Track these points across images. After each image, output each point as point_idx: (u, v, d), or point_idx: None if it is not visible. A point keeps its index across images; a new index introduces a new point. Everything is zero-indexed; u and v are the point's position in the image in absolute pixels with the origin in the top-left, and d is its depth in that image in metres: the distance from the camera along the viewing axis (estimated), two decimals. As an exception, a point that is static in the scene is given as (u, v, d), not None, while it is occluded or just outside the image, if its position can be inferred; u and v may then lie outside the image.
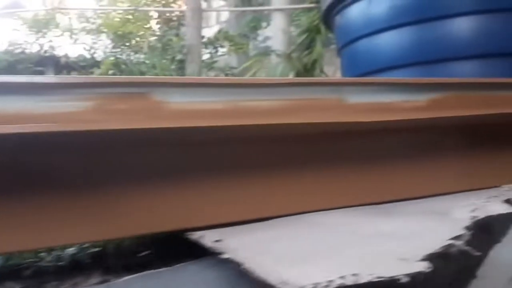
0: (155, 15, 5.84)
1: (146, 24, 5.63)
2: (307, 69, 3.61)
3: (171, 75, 3.74)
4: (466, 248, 0.39)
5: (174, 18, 5.39)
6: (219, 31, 4.61)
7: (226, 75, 4.44)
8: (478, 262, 0.62)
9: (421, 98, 0.55)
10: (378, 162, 0.55)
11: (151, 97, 0.44)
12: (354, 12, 2.67)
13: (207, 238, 0.44)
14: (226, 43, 4.38)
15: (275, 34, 3.78)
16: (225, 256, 0.41)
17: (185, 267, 0.43)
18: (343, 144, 0.53)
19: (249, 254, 0.40)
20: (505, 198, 0.50)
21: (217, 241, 0.43)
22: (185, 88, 0.44)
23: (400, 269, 0.37)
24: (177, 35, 4.86)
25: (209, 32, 5.09)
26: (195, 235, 0.46)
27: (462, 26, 2.28)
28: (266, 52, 3.97)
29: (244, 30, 4.79)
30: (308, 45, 3.67)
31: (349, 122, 0.49)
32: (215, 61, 4.52)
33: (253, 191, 0.50)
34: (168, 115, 0.43)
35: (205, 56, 4.88)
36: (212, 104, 0.45)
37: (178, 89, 0.44)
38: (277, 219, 0.48)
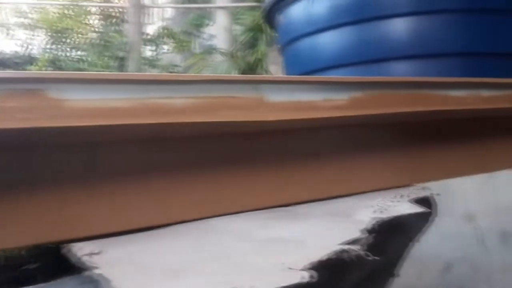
0: (95, 10, 5.63)
1: (85, 20, 5.42)
2: (251, 68, 3.61)
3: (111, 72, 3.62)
4: (361, 252, 0.37)
5: (115, 14, 5.23)
6: (162, 28, 4.51)
7: (170, 73, 4.36)
8: (394, 261, 0.62)
9: (343, 97, 0.54)
10: (296, 162, 0.53)
11: (47, 94, 0.40)
12: (295, 11, 2.68)
13: (84, 250, 0.40)
14: (169, 41, 4.30)
15: (219, 32, 3.75)
16: (96, 271, 0.37)
17: (63, 283, 0.39)
18: (258, 144, 0.51)
19: (121, 269, 0.37)
20: (413, 197, 0.49)
21: (93, 254, 0.39)
22: (85, 84, 0.40)
23: (284, 280, 0.34)
24: (118, 31, 4.72)
25: (152, 29, 4.98)
26: (68, 248, 0.41)
27: (400, 27, 2.33)
28: (210, 50, 3.93)
29: (188, 28, 4.73)
30: (252, 44, 3.66)
31: (266, 121, 0.46)
32: (158, 59, 4.43)
33: (151, 196, 0.46)
34: (66, 113, 0.39)
35: (148, 54, 4.77)
36: (116, 102, 0.41)
37: (78, 85, 0.40)
38: (174, 226, 0.45)
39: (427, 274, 1.61)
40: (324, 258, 0.36)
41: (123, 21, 4.65)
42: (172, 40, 4.30)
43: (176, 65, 4.58)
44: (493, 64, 2.19)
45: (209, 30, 4.54)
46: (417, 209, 0.45)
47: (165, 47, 4.59)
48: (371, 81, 0.57)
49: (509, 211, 1.47)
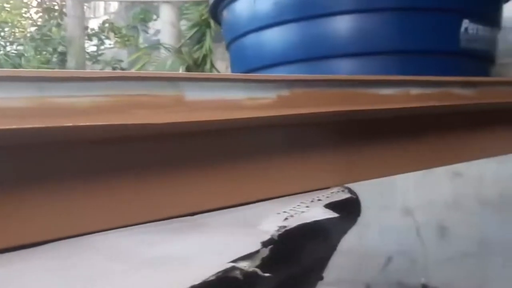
0: (35, 3, 5.38)
1: (24, 13, 5.16)
2: (198, 64, 3.55)
3: (53, 68, 3.46)
4: (252, 269, 0.34)
5: (56, 7, 5.01)
6: (104, 22, 4.37)
7: (114, 68, 4.24)
8: (319, 266, 0.61)
9: (269, 95, 0.51)
10: (214, 166, 0.50)
11: None
12: (240, 7, 2.65)
13: None
14: (112, 35, 4.17)
15: (164, 27, 3.67)
16: None
17: None
18: (173, 147, 0.48)
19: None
20: (329, 201, 0.47)
21: None
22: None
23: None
24: (58, 25, 4.53)
25: (97, 23, 4.82)
26: None
27: (342, 25, 2.36)
28: (155, 45, 3.84)
29: (133, 22, 4.61)
30: (199, 40, 3.61)
31: (185, 122, 0.43)
32: (101, 54, 4.29)
33: (33, 210, 0.42)
34: None
35: (92, 48, 4.61)
36: (7, 102, 0.37)
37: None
38: (53, 243, 0.40)
39: (368, 268, 1.64)
40: (211, 278, 0.31)
41: (64, 14, 4.47)
42: (115, 35, 4.17)
43: (120, 60, 4.45)
44: (432, 62, 2.25)
45: (156, 25, 4.44)
46: (330, 214, 0.43)
47: (109, 42, 4.44)
48: (298, 79, 0.55)
49: (445, 205, 1.52)
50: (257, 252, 0.34)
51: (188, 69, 3.53)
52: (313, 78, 0.57)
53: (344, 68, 2.52)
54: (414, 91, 0.69)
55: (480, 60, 2.63)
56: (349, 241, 1.63)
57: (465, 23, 2.45)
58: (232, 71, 3.13)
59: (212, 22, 3.33)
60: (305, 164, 0.59)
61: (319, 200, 0.47)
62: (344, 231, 0.61)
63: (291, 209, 0.43)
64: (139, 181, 0.45)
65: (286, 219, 0.41)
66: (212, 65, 3.53)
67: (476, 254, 1.50)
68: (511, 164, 1.36)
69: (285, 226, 0.38)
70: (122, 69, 4.41)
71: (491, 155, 1.07)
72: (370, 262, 1.60)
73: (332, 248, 0.58)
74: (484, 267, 1.49)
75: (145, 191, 0.45)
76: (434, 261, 1.55)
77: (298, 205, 0.45)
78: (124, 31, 4.40)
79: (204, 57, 3.48)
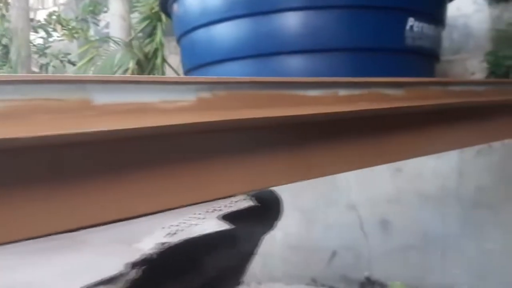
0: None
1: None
2: (149, 58, 3.48)
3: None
4: None
5: (0, -3, 4.78)
6: (50, 14, 4.21)
7: (61, 61, 4.09)
8: (232, 275, 0.60)
9: (188, 98, 0.50)
10: (122, 175, 0.48)
11: None
12: (190, 1, 2.62)
13: None
14: (59, 27, 4.02)
15: (114, 20, 3.57)
16: None
17: None
18: (76, 155, 0.45)
19: None
20: (226, 212, 0.46)
21: None
22: None
23: None
24: (3, 16, 4.32)
25: (44, 14, 4.64)
26: None
27: (293, 21, 2.37)
28: (104, 38, 3.73)
29: (83, 14, 4.46)
30: (150, 33, 3.53)
31: (91, 132, 0.41)
32: (48, 47, 4.13)
33: None
34: None
35: (39, 41, 4.43)
36: None
37: None
38: None
39: (314, 263, 1.66)
40: None
41: (8, 5, 4.27)
42: (62, 27, 4.03)
43: (68, 54, 4.30)
44: (378, 59, 2.30)
45: (108, 17, 4.32)
46: (223, 226, 0.41)
47: (57, 34, 4.28)
48: (220, 81, 0.53)
49: (387, 200, 1.56)
50: (122, 274, 0.31)
51: (138, 63, 3.45)
52: (237, 80, 0.55)
53: (294, 65, 2.54)
54: (343, 92, 0.69)
55: (425, 57, 2.70)
56: (296, 237, 1.65)
57: (411, 21, 2.51)
58: (183, 66, 3.08)
59: (163, 16, 3.26)
60: (222, 171, 0.57)
61: (214, 210, 0.45)
62: (258, 238, 0.60)
63: (182, 222, 0.41)
64: (23, 194, 0.42)
65: (170, 234, 0.39)
66: (164, 60, 3.47)
67: (417, 246, 1.54)
68: (448, 160, 1.40)
69: (166, 243, 0.36)
70: (70, 62, 4.26)
71: (429, 153, 1.09)
72: (316, 257, 1.62)
73: (247, 255, 0.58)
74: (424, 259, 1.54)
75: (30, 206, 0.42)
76: (377, 254, 1.58)
77: (191, 217, 0.43)
78: (73, 24, 4.24)
79: (155, 51, 3.41)
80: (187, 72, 3.00)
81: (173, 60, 3.86)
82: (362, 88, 0.72)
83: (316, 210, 1.61)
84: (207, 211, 0.45)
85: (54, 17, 4.21)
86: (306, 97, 0.64)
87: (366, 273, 1.57)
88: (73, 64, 3.99)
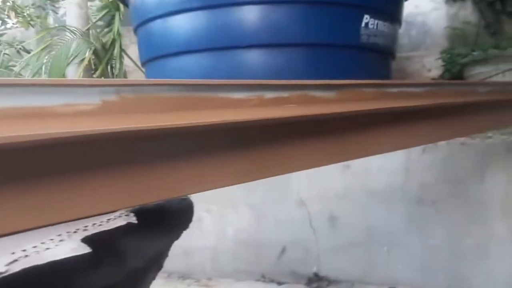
0: None
1: None
2: (106, 48, 3.39)
3: None
4: None
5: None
6: (5, 1, 4.05)
7: (16, 50, 3.95)
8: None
9: (92, 101, 0.47)
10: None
11: None
12: (147, -9, 2.55)
13: None
14: (13, 14, 3.87)
15: (70, 8, 3.46)
16: None
17: None
18: None
19: None
20: (90, 233, 0.42)
21: None
22: None
23: None
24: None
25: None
26: None
27: (251, 15, 2.34)
28: (59, 27, 3.61)
29: (40, 1, 4.31)
30: (109, 23, 3.44)
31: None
32: (2, 34, 3.98)
33: None
34: None
35: (-6, 28, 4.27)
36: None
37: None
38: None
39: (264, 258, 1.66)
40: None
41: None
42: (16, 14, 3.88)
43: (22, 41, 4.15)
44: (334, 55, 2.31)
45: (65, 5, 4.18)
46: (79, 251, 0.38)
47: (12, 21, 4.12)
48: (128, 83, 0.51)
49: (336, 196, 1.57)
50: None
51: (95, 53, 3.36)
52: (148, 82, 0.53)
53: (250, 59, 2.52)
54: (269, 94, 0.68)
55: (381, 55, 2.72)
56: (246, 233, 1.64)
57: (366, 18, 2.52)
58: (140, 57, 3.00)
59: (121, 5, 3.18)
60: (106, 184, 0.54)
61: (77, 231, 0.42)
62: (152, 251, 0.58)
63: (35, 246, 0.38)
64: None
65: (13, 261, 0.36)
66: (122, 50, 3.39)
67: (363, 242, 1.56)
68: (395, 157, 1.42)
69: (3, 272, 0.33)
70: (26, 50, 4.12)
71: (374, 153, 1.09)
72: (266, 252, 1.62)
73: (135, 271, 0.55)
74: (370, 255, 1.56)
75: None
76: (325, 250, 1.59)
77: (49, 240, 0.40)
78: (29, 11, 4.09)
79: (113, 41, 3.32)
80: (143, 64, 2.94)
81: (134, 50, 3.78)
82: (290, 91, 0.70)
83: (267, 206, 1.61)
84: (68, 232, 0.42)
85: (8, 3, 4.05)
86: (229, 99, 0.62)
87: (314, 269, 1.58)
88: (28, 52, 3.86)
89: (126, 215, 0.46)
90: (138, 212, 0.46)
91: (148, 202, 0.53)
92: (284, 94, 0.71)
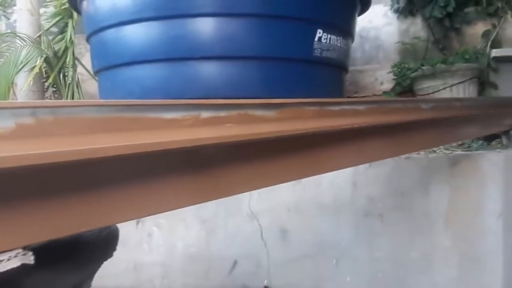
0: None
1: None
2: (59, 56, 3.29)
3: None
4: None
5: None
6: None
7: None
8: None
9: (5, 125, 0.44)
10: None
11: None
12: (100, 0, 2.49)
13: None
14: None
15: (21, 15, 3.34)
16: None
17: None
18: None
19: None
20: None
21: None
22: None
23: None
24: None
25: None
26: None
27: (205, 27, 2.33)
28: (8, 33, 3.48)
29: (-11, 6, 4.14)
30: (62, 30, 3.34)
31: None
32: None
33: None
34: None
35: None
36: None
37: None
38: None
39: (215, 273, 1.64)
40: None
41: None
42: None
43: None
44: (288, 68, 2.32)
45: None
46: None
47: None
48: (46, 105, 0.48)
49: (287, 210, 1.57)
50: None
51: (47, 61, 3.25)
52: (68, 103, 0.51)
53: (205, 71, 2.49)
54: (206, 114, 0.66)
55: (333, 68, 2.76)
56: (196, 248, 1.60)
57: (319, 32, 2.55)
58: (92, 66, 2.93)
59: (74, 12, 3.10)
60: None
61: None
62: (75, 284, 0.55)
63: None
64: None
65: None
66: (76, 58, 3.30)
67: (313, 255, 1.57)
68: (343, 171, 1.43)
69: None
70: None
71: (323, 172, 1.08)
72: (216, 267, 1.60)
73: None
74: (320, 267, 1.57)
75: None
76: (276, 263, 1.59)
77: None
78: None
79: (66, 49, 3.23)
80: (96, 73, 2.86)
81: (89, 58, 3.68)
82: (229, 110, 0.69)
83: (217, 219, 1.59)
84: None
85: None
86: (162, 120, 0.60)
87: (265, 282, 1.57)
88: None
89: (23, 254, 0.43)
90: (46, 248, 0.43)
91: (67, 235, 0.50)
92: (222, 113, 0.69)
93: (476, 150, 1.63)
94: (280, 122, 0.78)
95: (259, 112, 0.74)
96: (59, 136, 0.49)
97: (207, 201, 0.76)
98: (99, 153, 0.51)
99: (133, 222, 1.66)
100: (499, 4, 3.20)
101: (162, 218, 1.59)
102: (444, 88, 3.01)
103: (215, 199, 0.78)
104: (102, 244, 0.57)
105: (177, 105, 0.62)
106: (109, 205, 0.56)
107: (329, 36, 2.42)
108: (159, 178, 0.64)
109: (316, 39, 2.37)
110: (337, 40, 2.48)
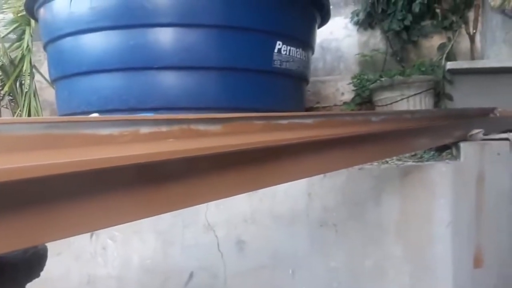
0: None
1: None
2: (15, 64, 3.21)
3: None
4: None
5: None
6: None
7: None
8: None
9: None
10: None
11: None
12: (57, 8, 2.46)
13: None
14: None
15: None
16: None
17: None
18: None
19: None
20: None
21: None
22: None
23: None
24: None
25: None
26: None
27: (164, 37, 2.32)
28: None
29: None
30: (20, 38, 3.26)
31: None
32: None
33: None
34: None
35: None
36: None
37: None
38: None
39: (171, 286, 1.62)
40: None
41: None
42: None
43: None
44: (248, 79, 2.34)
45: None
46: None
47: None
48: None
49: (243, 220, 1.57)
50: None
51: (2, 69, 3.17)
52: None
53: (164, 81, 2.47)
54: (145, 129, 0.65)
55: (293, 79, 2.79)
56: (152, 260, 1.58)
57: (279, 44, 2.58)
58: (50, 75, 2.86)
59: (32, 20, 3.03)
60: None
61: None
62: None
63: None
64: None
65: None
66: (33, 66, 3.22)
67: (270, 265, 1.57)
68: (298, 181, 1.44)
69: None
70: None
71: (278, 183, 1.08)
72: (172, 279, 1.58)
73: None
74: (276, 278, 1.57)
75: None
76: (232, 274, 1.58)
77: None
78: None
79: (23, 57, 3.15)
80: (53, 81, 2.79)
81: (46, 66, 3.60)
82: (170, 125, 0.69)
83: (174, 231, 1.57)
84: None
85: None
86: (97, 136, 0.59)
87: (221, 294, 1.57)
88: None
89: None
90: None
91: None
92: (163, 128, 0.69)
93: (427, 160, 1.68)
94: (225, 137, 0.79)
95: (202, 127, 0.74)
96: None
97: (155, 215, 0.75)
98: (28, 172, 0.50)
99: (87, 235, 1.62)
100: (454, 18, 3.32)
101: (117, 231, 1.57)
102: (402, 99, 3.09)
103: (164, 212, 0.77)
104: (26, 266, 0.55)
105: (114, 121, 0.61)
106: (39, 223, 0.55)
107: (288, 47, 2.46)
108: (100, 193, 0.63)
109: (275, 50, 2.41)
110: (296, 51, 2.52)
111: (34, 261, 0.55)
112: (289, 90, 2.64)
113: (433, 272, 1.52)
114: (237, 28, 2.23)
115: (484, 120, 1.92)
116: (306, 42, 2.72)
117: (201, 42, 2.36)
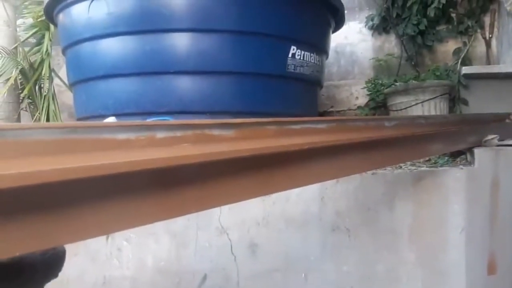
0: None
1: None
2: (35, 68, 3.27)
3: None
4: None
5: None
6: None
7: None
8: None
9: None
10: None
11: None
12: (75, 13, 2.50)
13: None
14: None
15: (-3, 26, 3.31)
16: None
17: None
18: None
19: None
20: None
21: None
22: None
23: None
24: None
25: None
26: None
27: (180, 42, 2.35)
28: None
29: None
30: (39, 42, 3.33)
31: None
32: None
33: None
34: None
35: None
36: None
37: None
38: None
39: (184, 286, 1.63)
40: None
41: None
42: None
43: None
44: (262, 84, 2.34)
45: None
46: None
47: None
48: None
49: (256, 224, 1.57)
50: None
51: (22, 72, 3.23)
52: (11, 126, 0.51)
53: (179, 85, 2.49)
54: (161, 134, 0.67)
55: (307, 84, 2.78)
56: (166, 262, 1.59)
57: (293, 49, 2.58)
58: (68, 79, 2.90)
59: (51, 24, 3.09)
60: None
61: None
62: None
63: None
64: None
65: None
66: (53, 70, 3.28)
67: (282, 269, 1.57)
68: (311, 186, 1.44)
69: None
70: None
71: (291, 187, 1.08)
72: (186, 281, 1.59)
73: None
74: (289, 281, 1.57)
75: None
76: (245, 277, 1.59)
77: None
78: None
79: (42, 61, 3.21)
80: (71, 85, 2.84)
81: (65, 70, 3.66)
82: (185, 130, 0.70)
83: (187, 233, 1.59)
84: None
85: None
86: (115, 141, 0.61)
87: (234, 296, 1.57)
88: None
89: None
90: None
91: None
92: (178, 133, 0.70)
93: (441, 166, 1.66)
94: (239, 142, 0.79)
95: (216, 132, 0.75)
96: (7, 159, 0.49)
97: (170, 218, 0.76)
98: (47, 177, 0.51)
99: (103, 236, 1.64)
100: (469, 23, 3.29)
101: (132, 233, 1.58)
102: (416, 104, 3.07)
103: (179, 216, 0.79)
104: (45, 266, 0.57)
105: (131, 126, 0.62)
106: (57, 225, 0.56)
107: (302, 52, 2.47)
108: (117, 197, 0.64)
109: (289, 55, 2.42)
110: (310, 56, 2.52)
111: (52, 262, 0.56)
112: (302, 94, 2.64)
113: (446, 279, 1.51)
114: (252, 33, 2.25)
115: (499, 125, 1.90)
116: (320, 47, 2.72)
117: (216, 47, 2.38)
